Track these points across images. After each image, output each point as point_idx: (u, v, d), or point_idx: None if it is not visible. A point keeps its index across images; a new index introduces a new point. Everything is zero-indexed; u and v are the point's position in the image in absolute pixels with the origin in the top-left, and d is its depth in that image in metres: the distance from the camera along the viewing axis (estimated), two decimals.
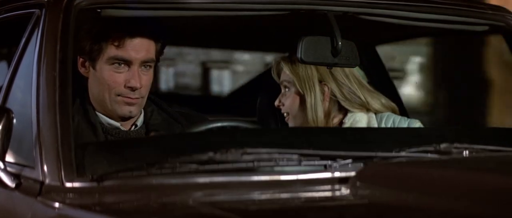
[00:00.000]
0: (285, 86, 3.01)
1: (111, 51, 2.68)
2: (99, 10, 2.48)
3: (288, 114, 3.01)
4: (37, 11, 2.49)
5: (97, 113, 2.73)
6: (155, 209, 2.08)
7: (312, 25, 2.72)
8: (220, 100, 4.89)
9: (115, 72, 2.69)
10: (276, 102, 3.03)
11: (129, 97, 2.69)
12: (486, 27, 2.95)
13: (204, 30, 3.51)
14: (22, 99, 2.40)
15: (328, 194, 2.17)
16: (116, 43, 2.67)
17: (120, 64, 2.69)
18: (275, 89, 3.10)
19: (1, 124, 2.25)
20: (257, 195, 2.13)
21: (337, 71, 2.98)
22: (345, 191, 2.15)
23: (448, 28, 3.05)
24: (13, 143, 2.29)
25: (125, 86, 2.68)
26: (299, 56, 2.61)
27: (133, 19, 2.65)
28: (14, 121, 2.30)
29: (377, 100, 3.00)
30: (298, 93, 2.98)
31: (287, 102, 3.01)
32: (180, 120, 2.83)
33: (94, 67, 2.71)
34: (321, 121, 2.94)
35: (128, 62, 2.69)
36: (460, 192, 1.96)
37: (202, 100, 5.17)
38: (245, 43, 4.68)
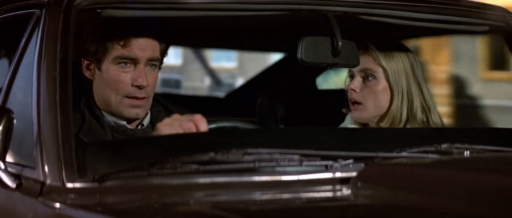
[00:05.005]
0: (367, 75, 2.91)
1: (117, 50, 2.68)
2: (99, 10, 2.48)
3: (357, 103, 2.91)
4: (37, 11, 2.49)
5: (103, 112, 2.74)
6: (156, 209, 2.08)
7: (312, 25, 2.72)
8: (220, 100, 4.89)
9: (122, 72, 2.69)
10: (350, 87, 2.91)
11: (135, 98, 2.69)
12: (486, 27, 2.95)
13: (204, 30, 3.51)
14: (23, 99, 2.40)
15: (329, 194, 2.17)
16: (121, 43, 2.67)
17: (126, 64, 2.69)
18: (275, 89, 3.10)
19: (2, 124, 2.25)
20: (258, 196, 2.13)
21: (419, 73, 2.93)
22: (346, 191, 2.15)
23: (448, 28, 3.05)
24: (14, 143, 2.29)
25: (132, 85, 2.69)
26: (299, 56, 2.61)
27: (137, 19, 2.66)
28: (15, 121, 2.30)
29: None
30: (384, 86, 2.91)
31: (365, 92, 2.91)
32: None
33: (99, 69, 2.71)
34: (403, 122, 2.89)
35: (134, 61, 2.69)
36: (461, 192, 1.96)
37: (202, 100, 5.17)
38: (245, 43, 4.69)
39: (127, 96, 2.69)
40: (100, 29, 2.68)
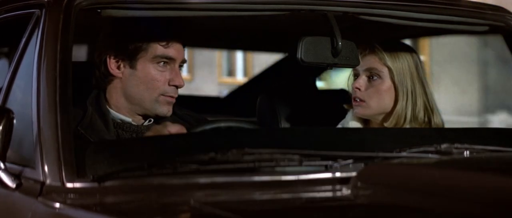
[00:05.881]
0: (372, 75, 2.92)
1: (158, 50, 2.75)
2: (99, 10, 2.48)
3: (361, 100, 2.91)
4: (37, 11, 2.49)
5: (109, 109, 2.77)
6: (156, 209, 2.08)
7: (312, 25, 2.72)
8: (221, 100, 4.89)
9: (159, 71, 2.76)
10: (355, 85, 2.92)
11: (171, 96, 2.78)
12: (486, 27, 2.95)
13: (204, 30, 3.51)
14: (23, 99, 2.40)
15: (329, 194, 2.17)
16: (163, 43, 2.75)
17: (164, 63, 2.76)
18: (275, 89, 3.09)
19: (2, 124, 2.24)
20: (258, 196, 2.13)
21: (423, 75, 2.93)
22: (346, 191, 2.14)
23: (448, 28, 3.05)
24: (14, 143, 2.29)
25: (169, 84, 2.77)
26: (299, 56, 2.61)
27: (172, 22, 2.74)
28: (15, 121, 2.30)
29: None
30: (389, 86, 2.92)
31: (369, 91, 2.91)
32: (188, 120, 2.89)
33: (133, 67, 2.76)
34: (407, 123, 2.89)
35: (172, 61, 2.77)
36: (461, 192, 1.96)
37: (203, 100, 5.17)
38: (245, 43, 4.68)
39: (162, 95, 2.76)
40: (137, 29, 2.74)
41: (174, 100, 2.79)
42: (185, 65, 2.84)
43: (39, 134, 2.24)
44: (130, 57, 2.76)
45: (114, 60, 2.77)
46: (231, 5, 2.63)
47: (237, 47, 5.68)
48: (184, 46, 2.84)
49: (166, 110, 2.78)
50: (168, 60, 2.77)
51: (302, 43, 2.61)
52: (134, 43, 2.75)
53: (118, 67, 2.77)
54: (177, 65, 2.79)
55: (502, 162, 2.34)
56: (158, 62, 2.76)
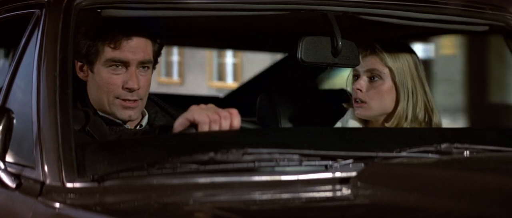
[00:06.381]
0: (373, 75, 2.92)
1: (108, 53, 2.66)
2: (99, 10, 2.48)
3: (362, 101, 2.91)
4: (37, 11, 2.49)
5: (99, 112, 2.72)
6: (156, 209, 2.08)
7: (312, 25, 2.72)
8: (220, 100, 4.89)
9: (113, 74, 2.67)
10: (356, 86, 2.91)
11: (127, 100, 2.67)
12: (486, 27, 2.95)
13: (204, 30, 3.51)
14: (23, 99, 2.40)
15: (329, 194, 2.17)
16: (112, 45, 2.65)
17: (117, 66, 2.66)
18: (275, 89, 3.08)
19: (2, 124, 2.25)
20: (258, 195, 2.13)
21: (423, 76, 2.93)
22: (346, 191, 2.15)
23: (448, 28, 3.05)
24: (14, 143, 2.29)
25: (123, 88, 2.66)
26: (299, 56, 2.61)
27: (129, 19, 2.64)
28: (15, 121, 2.30)
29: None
30: (390, 86, 2.92)
31: (371, 92, 2.91)
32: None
33: (92, 71, 2.69)
34: (408, 123, 2.89)
35: (125, 64, 2.66)
36: (461, 192, 1.96)
37: (202, 101, 5.17)
38: (245, 43, 4.69)
39: (118, 98, 2.67)
40: (91, 31, 2.67)
41: (134, 104, 2.68)
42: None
43: (39, 134, 2.24)
44: (88, 61, 2.68)
45: (79, 64, 2.71)
46: (231, 5, 2.63)
47: (237, 47, 5.68)
48: (160, 43, 2.73)
49: (126, 114, 2.68)
50: (121, 63, 2.66)
51: (302, 43, 2.61)
52: (88, 47, 2.66)
53: (83, 71, 2.71)
54: (133, 67, 2.67)
55: (502, 162, 2.34)
56: (110, 66, 2.66)
